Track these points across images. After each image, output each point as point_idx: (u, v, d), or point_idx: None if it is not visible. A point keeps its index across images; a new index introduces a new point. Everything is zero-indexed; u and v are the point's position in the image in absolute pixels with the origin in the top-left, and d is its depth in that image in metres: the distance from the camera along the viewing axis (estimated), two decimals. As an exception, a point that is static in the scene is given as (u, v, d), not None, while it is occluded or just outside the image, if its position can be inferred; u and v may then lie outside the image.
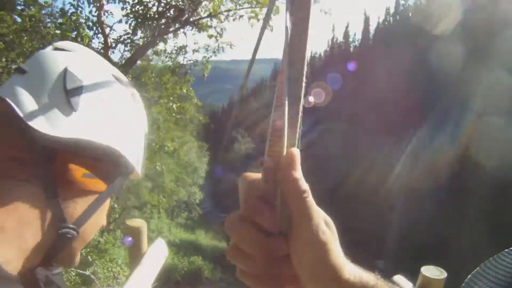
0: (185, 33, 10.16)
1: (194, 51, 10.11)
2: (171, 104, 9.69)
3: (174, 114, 10.35)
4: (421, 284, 2.02)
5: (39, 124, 0.65)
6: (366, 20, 55.30)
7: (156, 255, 2.42)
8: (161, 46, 10.21)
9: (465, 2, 38.89)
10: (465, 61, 31.18)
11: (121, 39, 8.20)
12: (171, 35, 10.33)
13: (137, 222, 2.36)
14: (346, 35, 59.69)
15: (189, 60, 10.15)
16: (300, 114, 0.57)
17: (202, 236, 17.60)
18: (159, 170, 12.42)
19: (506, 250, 0.79)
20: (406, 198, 26.78)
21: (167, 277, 13.45)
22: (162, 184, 13.59)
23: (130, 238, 2.24)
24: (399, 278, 2.16)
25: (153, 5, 8.67)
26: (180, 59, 10.25)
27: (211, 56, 9.97)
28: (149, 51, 10.23)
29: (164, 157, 12.19)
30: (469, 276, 0.80)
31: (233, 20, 9.07)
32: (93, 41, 7.33)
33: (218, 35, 9.58)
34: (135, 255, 2.37)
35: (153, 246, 2.46)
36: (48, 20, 6.59)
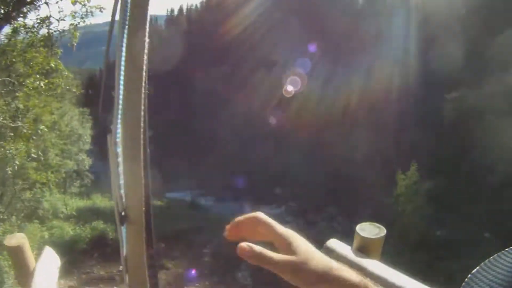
0: (47, 3, 9.66)
1: (60, 20, 9.68)
2: (38, 82, 9.20)
3: (43, 93, 9.91)
4: (358, 246, 1.82)
5: None
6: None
7: (48, 269, 2.28)
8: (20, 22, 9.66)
9: None
10: None
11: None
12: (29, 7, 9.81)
13: (17, 238, 2.24)
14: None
15: (55, 31, 9.74)
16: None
17: (99, 199, 17.53)
18: (42, 148, 12.12)
19: (506, 249, 0.79)
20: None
21: (72, 248, 13.50)
22: (47, 160, 13.23)
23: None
24: (333, 242, 1.91)
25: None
26: (45, 31, 9.78)
27: (79, 23, 9.59)
28: (6, 29, 9.63)
29: (44, 133, 11.84)
30: (469, 275, 0.79)
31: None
32: None
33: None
34: (24, 275, 2.25)
35: (41, 261, 2.30)
36: None
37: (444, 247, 13.44)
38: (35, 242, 12.09)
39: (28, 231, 12.19)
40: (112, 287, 12.76)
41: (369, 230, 1.79)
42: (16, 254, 2.16)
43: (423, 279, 1.62)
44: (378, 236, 1.76)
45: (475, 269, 0.75)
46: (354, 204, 18.39)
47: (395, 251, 12.99)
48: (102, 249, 14.47)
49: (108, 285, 12.89)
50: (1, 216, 11.35)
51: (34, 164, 12.21)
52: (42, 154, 13.17)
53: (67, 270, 12.83)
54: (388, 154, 18.14)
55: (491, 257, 0.73)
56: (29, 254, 2.24)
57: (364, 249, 1.79)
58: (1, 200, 11.79)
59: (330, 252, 1.78)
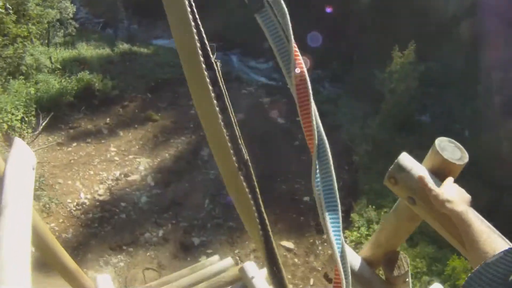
0: None
1: None
2: None
3: None
4: (435, 168, 1.60)
5: None
6: None
7: (20, 170, 1.91)
8: None
9: None
10: None
11: None
12: None
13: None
14: None
15: None
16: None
17: (84, 48, 17.09)
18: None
19: (507, 249, 0.82)
20: None
21: (58, 102, 13.72)
22: (27, 11, 12.76)
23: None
24: (406, 158, 1.70)
25: None
26: None
27: None
28: None
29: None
30: (470, 275, 0.83)
31: None
32: None
33: None
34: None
35: (10, 161, 1.91)
36: None
37: (426, 134, 14.03)
38: (21, 100, 12.46)
39: (13, 88, 12.29)
40: (100, 140, 13.49)
41: (451, 151, 1.55)
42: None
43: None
44: (461, 163, 1.53)
45: (475, 269, 0.82)
46: (343, 71, 18.40)
47: (383, 128, 13.56)
48: (89, 101, 14.63)
49: (96, 138, 13.38)
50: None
51: (13, 17, 11.85)
52: (20, 5, 12.75)
53: (54, 126, 13.28)
54: (389, 25, 17.41)
55: (491, 257, 0.80)
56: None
57: (441, 171, 1.57)
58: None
59: (402, 171, 1.64)
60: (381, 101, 13.81)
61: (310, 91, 1.10)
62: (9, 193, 1.73)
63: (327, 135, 1.19)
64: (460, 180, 1.52)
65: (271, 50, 1.11)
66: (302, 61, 1.08)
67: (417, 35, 14.03)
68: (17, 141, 1.97)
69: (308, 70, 1.10)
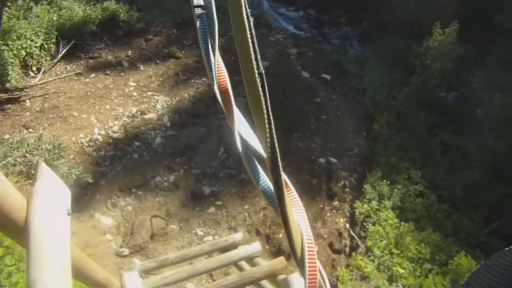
0: None
1: None
2: None
3: None
4: None
5: None
6: None
7: (50, 217, 1.37)
8: None
9: None
10: None
11: None
12: None
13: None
14: None
15: None
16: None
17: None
18: None
19: (507, 248, 0.81)
20: None
21: (80, 31, 13.29)
22: None
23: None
24: None
25: None
26: None
27: None
28: None
29: None
30: (470, 274, 0.83)
31: None
32: None
33: None
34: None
35: (35, 203, 1.38)
36: None
37: (448, 114, 13.66)
38: (42, 26, 12.10)
39: (35, 14, 11.88)
40: (119, 73, 13.24)
41: None
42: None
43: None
44: None
45: (476, 269, 0.83)
46: (374, 33, 17.54)
47: (408, 102, 13.17)
48: (112, 31, 14.28)
49: (115, 70, 13.09)
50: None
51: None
52: None
53: (74, 55, 13.01)
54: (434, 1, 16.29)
55: (492, 257, 0.81)
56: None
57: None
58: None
59: None
60: (412, 73, 13.24)
61: (232, 100, 1.19)
62: (34, 257, 1.23)
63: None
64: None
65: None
66: (224, 73, 1.20)
67: (461, 16, 13.19)
68: (46, 172, 1.38)
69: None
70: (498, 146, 12.15)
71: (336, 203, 10.58)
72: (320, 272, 1.17)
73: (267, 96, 0.98)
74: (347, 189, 10.92)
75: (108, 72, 13.04)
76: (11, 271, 3.42)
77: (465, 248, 9.09)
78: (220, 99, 1.19)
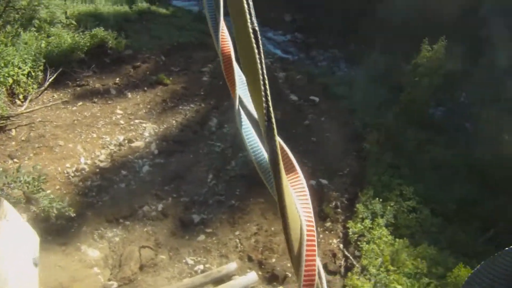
0: None
1: None
2: None
3: None
4: None
5: None
6: None
7: (16, 267, 1.17)
8: None
9: None
10: None
11: None
12: None
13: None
14: None
15: None
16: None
17: (101, 3, 16.78)
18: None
19: (507, 248, 0.81)
20: None
21: (68, 58, 13.33)
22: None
23: None
24: None
25: None
26: None
27: None
28: None
29: None
30: (470, 274, 0.83)
31: None
32: None
33: None
34: None
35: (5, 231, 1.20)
36: None
37: (437, 130, 13.64)
38: (30, 53, 12.08)
39: (23, 41, 11.88)
40: (107, 101, 13.20)
41: None
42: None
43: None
44: None
45: (476, 268, 0.83)
46: (361, 54, 17.71)
47: (397, 120, 13.18)
48: (100, 59, 14.29)
49: (103, 98, 13.05)
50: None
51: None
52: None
53: (61, 82, 12.97)
54: (419, 18, 16.51)
55: (492, 257, 0.81)
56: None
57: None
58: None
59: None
60: (400, 91, 13.30)
61: (235, 67, 1.16)
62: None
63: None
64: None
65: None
66: (228, 41, 1.19)
67: (450, 31, 13.35)
68: (10, 213, 1.14)
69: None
70: (486, 159, 12.16)
71: (328, 224, 10.47)
72: (319, 271, 1.00)
73: (262, 53, 0.91)
74: (339, 210, 10.83)
75: (96, 100, 12.98)
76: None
77: (462, 259, 9.02)
78: (223, 66, 1.19)
